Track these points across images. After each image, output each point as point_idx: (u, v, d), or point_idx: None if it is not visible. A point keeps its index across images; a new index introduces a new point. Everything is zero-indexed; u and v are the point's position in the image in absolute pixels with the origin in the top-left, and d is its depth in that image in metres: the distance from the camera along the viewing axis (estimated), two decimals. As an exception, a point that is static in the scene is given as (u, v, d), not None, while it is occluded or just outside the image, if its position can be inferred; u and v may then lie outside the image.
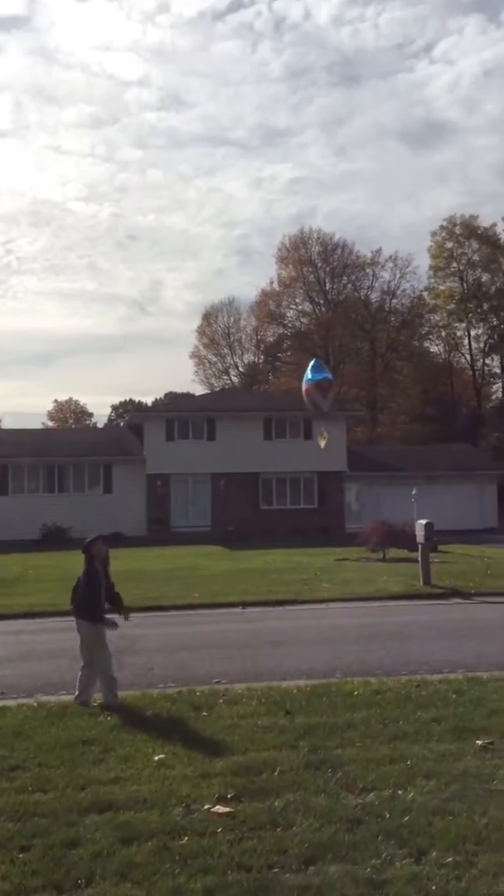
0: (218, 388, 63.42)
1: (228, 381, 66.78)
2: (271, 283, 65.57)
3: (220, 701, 7.99)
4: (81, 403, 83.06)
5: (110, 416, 77.25)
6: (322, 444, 18.57)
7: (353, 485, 37.87)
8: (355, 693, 8.17)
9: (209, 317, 67.51)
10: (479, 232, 60.92)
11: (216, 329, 67.19)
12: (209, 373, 68.16)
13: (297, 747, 6.44)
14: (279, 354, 68.59)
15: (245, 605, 15.51)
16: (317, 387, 17.05)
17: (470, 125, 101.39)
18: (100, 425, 71.08)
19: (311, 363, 17.72)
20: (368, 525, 26.22)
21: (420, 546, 18.07)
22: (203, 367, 68.12)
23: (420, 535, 18.09)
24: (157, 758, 6.28)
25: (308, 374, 17.30)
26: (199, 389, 66.75)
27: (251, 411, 37.96)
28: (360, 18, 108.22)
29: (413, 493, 27.29)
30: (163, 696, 8.25)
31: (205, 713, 7.57)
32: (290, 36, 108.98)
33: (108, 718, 7.51)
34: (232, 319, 67.10)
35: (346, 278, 63.67)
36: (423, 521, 18.16)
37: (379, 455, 41.22)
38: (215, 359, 67.77)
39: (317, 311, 63.63)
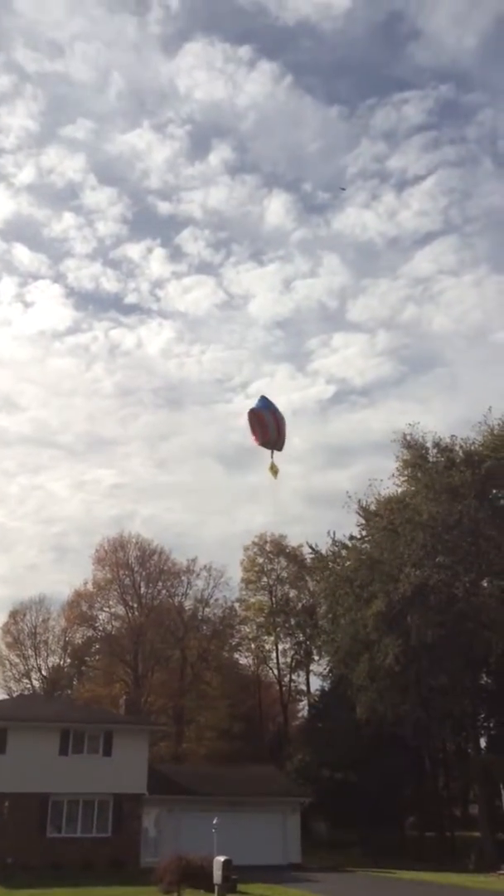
0: (16, 693, 59.32)
1: (28, 686, 62.80)
2: (85, 583, 65.03)
3: None
4: None
5: None
6: (275, 472, 16.84)
7: (153, 809, 35.12)
8: None
9: (16, 614, 64.98)
10: (288, 551, 64.86)
11: (22, 628, 64.43)
12: (8, 675, 63.97)
13: None
14: (87, 658, 66.06)
15: None
16: (280, 424, 16.22)
17: (279, 454, 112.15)
18: None
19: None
20: (164, 859, 24.09)
21: (217, 888, 16.78)
22: (2, 669, 64.00)
23: (217, 874, 16.92)
24: None
25: (269, 406, 16.22)
26: (-6, 694, 62.05)
27: (48, 721, 35.48)
28: (186, 354, 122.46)
29: (214, 822, 25.69)
30: None
31: None
32: (122, 360, 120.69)
33: None
34: (41, 619, 64.89)
35: (161, 584, 64.33)
36: (221, 859, 17.09)
37: (182, 776, 39.05)
38: (17, 660, 64.09)
39: (130, 615, 63.02)
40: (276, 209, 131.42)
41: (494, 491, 43.71)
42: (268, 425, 16.35)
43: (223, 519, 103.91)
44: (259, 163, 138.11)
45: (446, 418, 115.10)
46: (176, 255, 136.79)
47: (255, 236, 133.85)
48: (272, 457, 16.71)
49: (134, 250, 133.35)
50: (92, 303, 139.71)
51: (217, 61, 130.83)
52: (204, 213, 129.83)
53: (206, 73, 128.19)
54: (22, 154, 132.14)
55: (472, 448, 44.40)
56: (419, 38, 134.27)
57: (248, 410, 16.72)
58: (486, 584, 41.64)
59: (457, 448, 44.99)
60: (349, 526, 52.58)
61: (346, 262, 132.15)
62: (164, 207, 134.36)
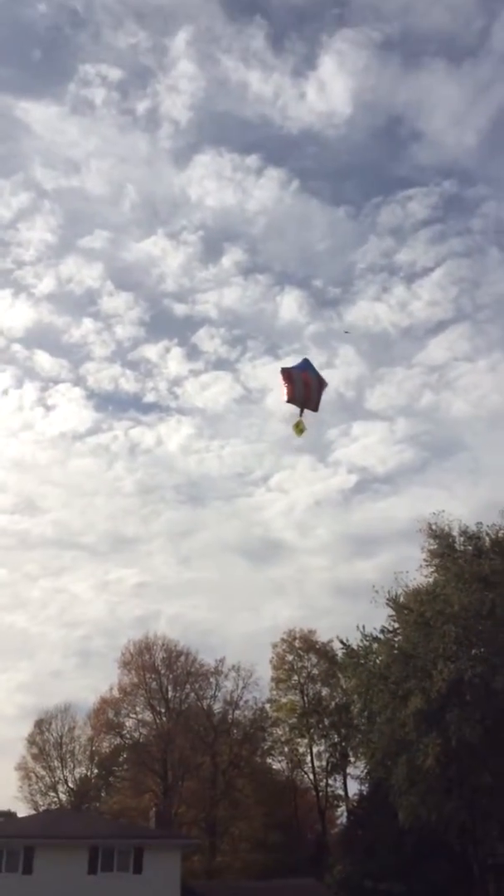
0: (43, 807, 57.32)
1: (56, 800, 60.67)
2: (111, 689, 63.48)
3: None
4: None
5: None
6: (299, 431, 16.35)
7: (188, 932, 33.29)
8: None
9: (42, 724, 63.39)
10: (317, 647, 63.31)
11: (48, 738, 62.66)
12: (35, 788, 61.84)
13: None
14: (114, 768, 63.97)
15: None
16: (319, 383, 16.09)
17: (303, 546, 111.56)
18: None
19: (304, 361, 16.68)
20: None
21: None
22: (29, 782, 61.91)
23: None
24: None
25: (306, 367, 16.14)
26: (21, 808, 59.95)
27: (76, 839, 34.12)
28: (206, 449, 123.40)
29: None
30: None
31: None
32: (142, 458, 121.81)
33: None
34: (66, 728, 63.20)
35: (189, 686, 62.72)
36: None
37: (218, 892, 37.21)
38: (44, 772, 62.03)
39: (157, 720, 61.26)
40: (289, 305, 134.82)
41: (526, 578, 42.77)
42: (295, 382, 16.31)
43: (250, 615, 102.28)
44: (270, 263, 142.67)
45: (471, 503, 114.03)
46: (193, 353, 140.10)
47: (270, 332, 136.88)
48: (301, 414, 16.48)
49: (152, 351, 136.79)
50: (112, 403, 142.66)
51: (226, 170, 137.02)
52: (219, 312, 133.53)
53: (216, 182, 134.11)
54: (42, 265, 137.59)
55: (500, 535, 43.82)
56: (420, 139, 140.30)
57: (280, 369, 16.77)
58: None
59: (484, 535, 44.44)
60: (379, 618, 51.42)
61: (361, 352, 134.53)
62: (180, 309, 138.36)
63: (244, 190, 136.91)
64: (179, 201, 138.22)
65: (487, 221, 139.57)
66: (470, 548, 44.15)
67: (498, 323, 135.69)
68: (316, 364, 16.99)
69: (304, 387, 16.40)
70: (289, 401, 16.42)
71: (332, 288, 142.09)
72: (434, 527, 45.52)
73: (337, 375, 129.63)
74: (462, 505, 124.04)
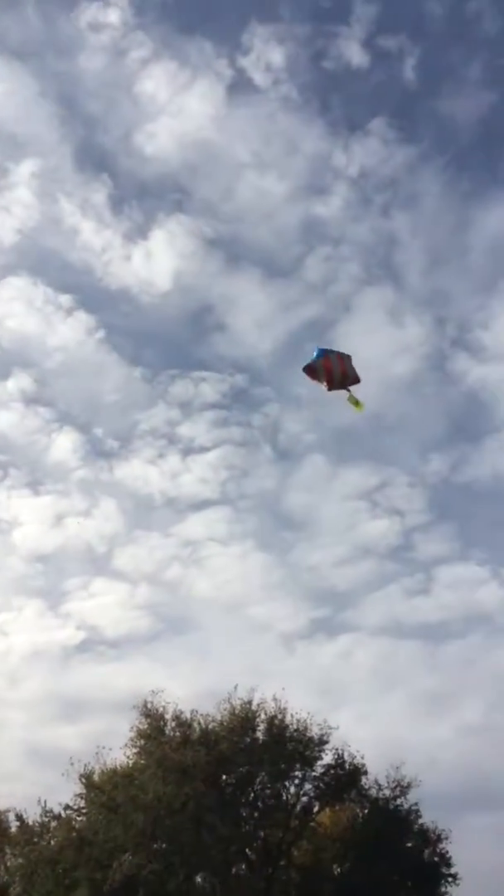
0: None
1: None
2: None
3: None
4: None
5: None
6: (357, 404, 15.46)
7: None
8: None
9: None
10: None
11: None
12: None
13: None
14: None
15: None
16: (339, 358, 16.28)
17: (6, 698, 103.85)
18: None
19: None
20: None
21: None
22: None
23: None
24: None
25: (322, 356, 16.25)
26: None
27: None
28: None
29: None
30: None
31: None
32: None
33: None
34: None
35: None
36: None
37: None
38: None
39: None
40: (64, 445, 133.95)
41: (225, 777, 42.28)
42: (332, 369, 16.75)
43: None
44: (56, 399, 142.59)
45: (193, 686, 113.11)
46: None
47: (36, 466, 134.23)
48: (349, 392, 17.10)
49: None
50: None
51: (37, 300, 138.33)
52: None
53: (23, 307, 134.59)
54: None
55: (210, 727, 43.39)
56: (224, 331, 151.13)
57: (302, 369, 17.22)
58: (199, 881, 38.85)
59: (195, 724, 43.77)
60: (69, 793, 47.90)
61: (122, 509, 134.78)
62: None
63: (49, 324, 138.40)
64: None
65: (267, 421, 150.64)
66: (178, 734, 43.16)
67: (256, 514, 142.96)
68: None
69: (329, 372, 17.14)
70: (330, 390, 17.06)
71: (110, 440, 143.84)
72: (150, 705, 44.28)
73: (92, 526, 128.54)
74: (183, 685, 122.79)
